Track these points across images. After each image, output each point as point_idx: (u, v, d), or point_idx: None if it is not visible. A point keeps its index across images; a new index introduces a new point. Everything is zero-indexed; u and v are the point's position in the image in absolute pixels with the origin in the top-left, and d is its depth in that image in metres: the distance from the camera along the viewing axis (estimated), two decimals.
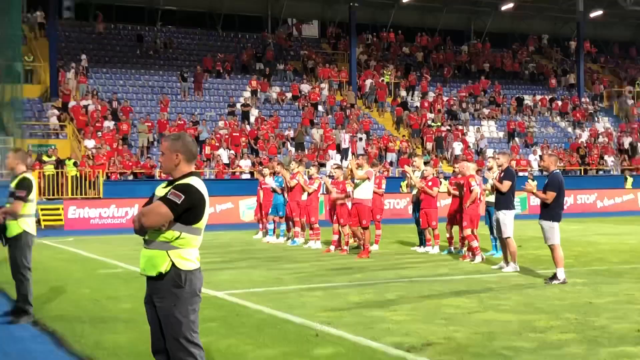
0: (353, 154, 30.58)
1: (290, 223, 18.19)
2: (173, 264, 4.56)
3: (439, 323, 7.81)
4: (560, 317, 8.15)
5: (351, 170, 14.81)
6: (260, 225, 19.80)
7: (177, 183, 4.64)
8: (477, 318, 8.11)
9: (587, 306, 8.85)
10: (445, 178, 21.47)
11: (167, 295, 4.55)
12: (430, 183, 15.24)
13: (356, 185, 14.67)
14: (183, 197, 4.53)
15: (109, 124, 30.11)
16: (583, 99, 43.24)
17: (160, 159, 4.84)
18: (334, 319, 8.04)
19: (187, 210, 4.56)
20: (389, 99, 38.79)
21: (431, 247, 15.56)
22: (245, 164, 30.21)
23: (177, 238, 4.57)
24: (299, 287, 10.69)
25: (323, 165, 30.12)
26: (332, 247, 15.86)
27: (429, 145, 34.96)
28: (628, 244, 17.01)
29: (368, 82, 38.48)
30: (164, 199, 4.56)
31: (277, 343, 7.03)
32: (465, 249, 14.42)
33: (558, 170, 11.10)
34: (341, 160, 30.72)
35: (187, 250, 4.61)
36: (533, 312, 8.45)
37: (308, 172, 19.30)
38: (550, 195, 10.73)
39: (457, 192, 14.53)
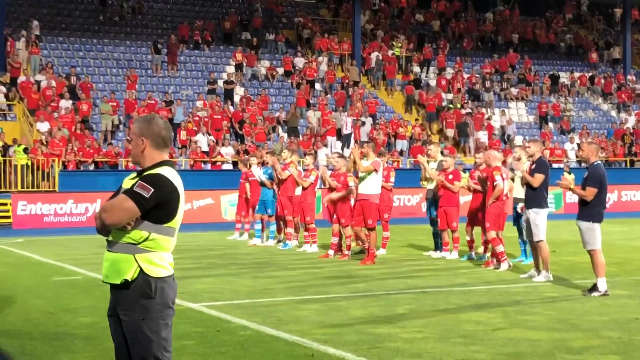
0: (356, 141, 30.58)
1: (282, 223, 18.20)
2: (141, 270, 4.55)
3: (456, 342, 7.83)
4: (600, 335, 8.18)
5: (354, 161, 14.80)
6: (246, 226, 19.76)
7: (145, 174, 4.64)
8: (502, 336, 8.13)
9: (632, 323, 8.88)
10: (465, 170, 21.47)
11: (134, 307, 4.55)
12: (451, 176, 15.24)
13: (360, 179, 14.67)
14: (152, 190, 4.52)
15: (66, 103, 30.07)
16: (629, 77, 43.25)
17: (126, 145, 4.83)
18: (332, 337, 8.05)
19: (157, 206, 4.55)
20: (399, 75, 38.77)
21: (449, 252, 15.57)
22: (227, 152, 30.20)
23: (145, 239, 4.56)
24: (290, 298, 10.71)
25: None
26: (330, 252, 15.88)
27: (450, 132, 34.93)
28: None
29: (374, 55, 38.46)
30: (129, 191, 4.55)
31: None
32: (488, 254, 14.43)
33: (599, 162, 11.10)
34: (342, 149, 30.72)
35: (157, 254, 4.60)
36: (568, 330, 8.48)
37: (303, 162, 19.30)
38: (590, 192, 10.74)
39: (479, 187, 14.54)
